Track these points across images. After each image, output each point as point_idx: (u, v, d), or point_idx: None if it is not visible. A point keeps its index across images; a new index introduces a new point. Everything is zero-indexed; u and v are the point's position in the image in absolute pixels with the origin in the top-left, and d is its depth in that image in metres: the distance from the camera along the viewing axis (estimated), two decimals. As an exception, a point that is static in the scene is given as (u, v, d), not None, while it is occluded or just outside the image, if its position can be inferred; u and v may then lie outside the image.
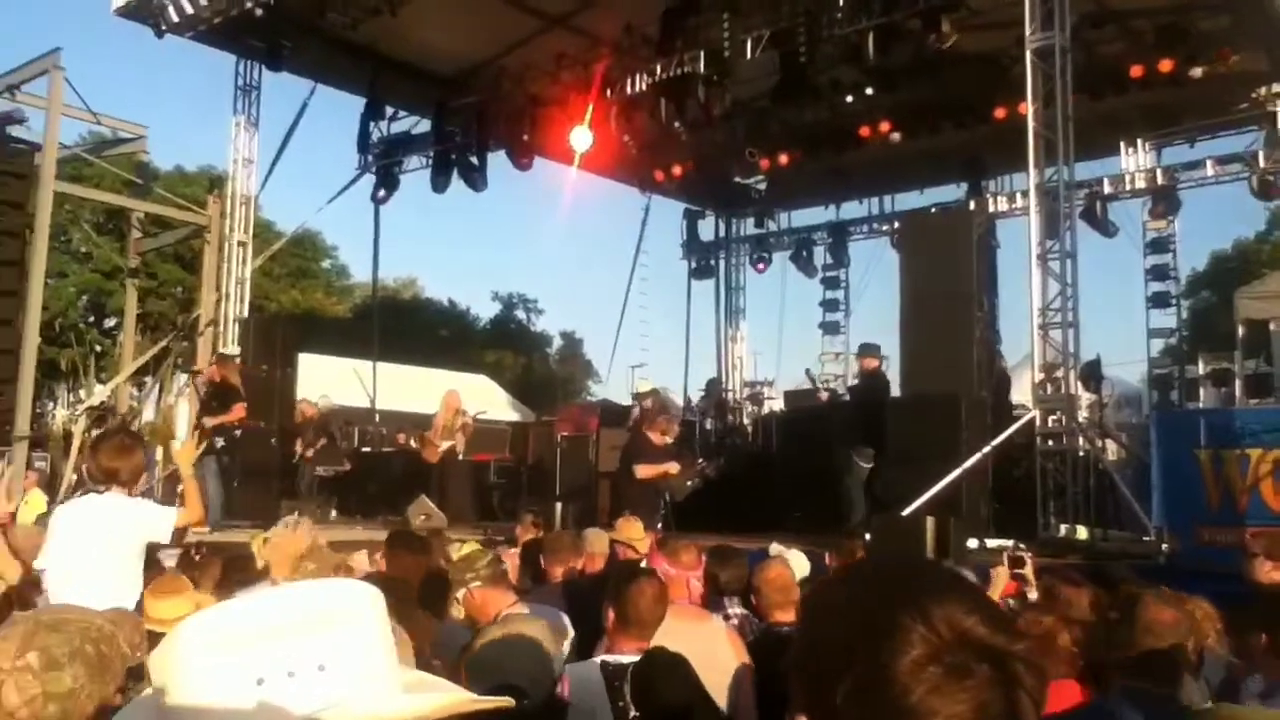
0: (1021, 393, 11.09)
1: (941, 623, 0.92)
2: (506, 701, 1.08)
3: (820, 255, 19.13)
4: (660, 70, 12.85)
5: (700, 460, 11.32)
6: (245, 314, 16.17)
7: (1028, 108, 9.85)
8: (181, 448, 5.48)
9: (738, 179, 18.49)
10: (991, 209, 16.03)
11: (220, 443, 11.56)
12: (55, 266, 23.32)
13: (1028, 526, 8.89)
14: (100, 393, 23.45)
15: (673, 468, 10.64)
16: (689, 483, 10.88)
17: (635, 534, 6.27)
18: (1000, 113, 13.25)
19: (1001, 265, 12.16)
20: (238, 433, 12.03)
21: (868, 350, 11.25)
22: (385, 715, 0.94)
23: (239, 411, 11.79)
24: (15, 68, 16.32)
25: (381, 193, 16.95)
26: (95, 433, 19.68)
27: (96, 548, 4.27)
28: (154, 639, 2.64)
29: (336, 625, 0.95)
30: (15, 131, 15.97)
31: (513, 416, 23.55)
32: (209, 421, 11.48)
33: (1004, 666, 0.91)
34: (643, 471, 10.65)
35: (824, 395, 14.35)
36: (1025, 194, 11.51)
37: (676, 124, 12.98)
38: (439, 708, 0.98)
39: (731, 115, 13.63)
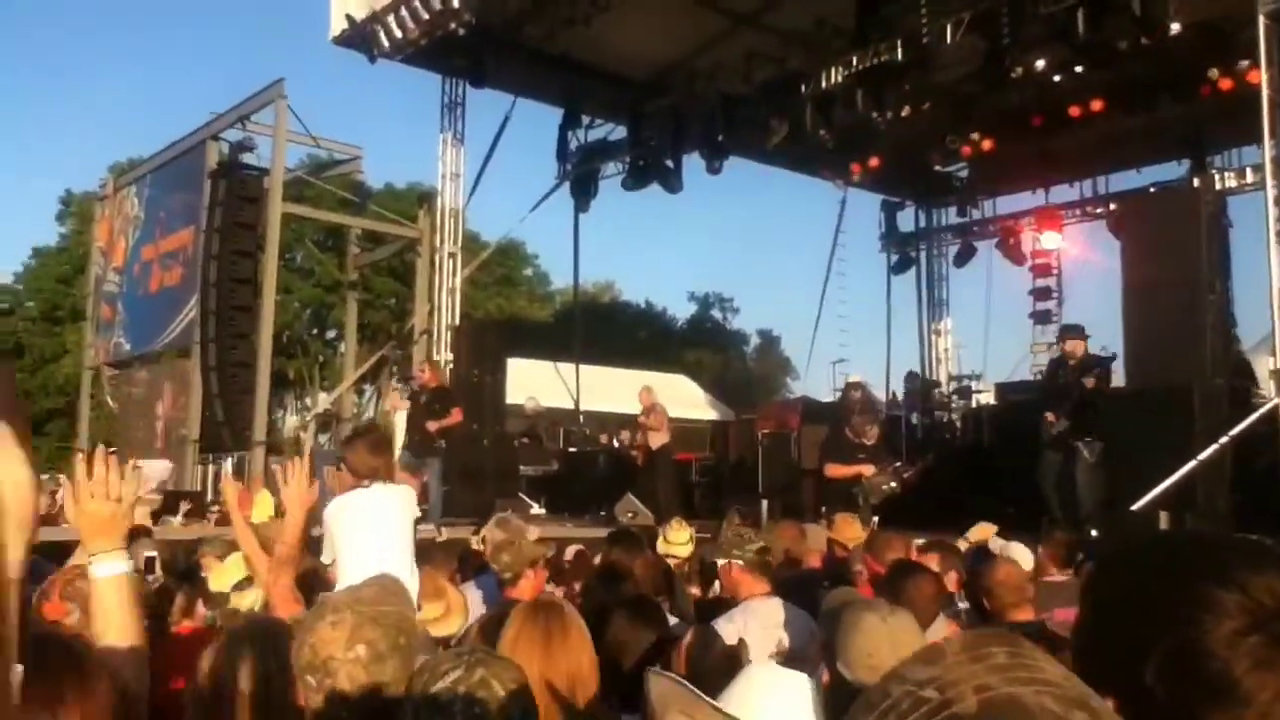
0: (1261, 379, 10.35)
1: (1262, 591, 0.86)
2: None
3: (1029, 241, 18.40)
4: (856, 61, 12.66)
5: (898, 463, 10.97)
6: (456, 322, 16.89)
7: (1260, 75, 9.20)
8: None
9: (938, 167, 18.01)
10: (1219, 186, 15.02)
11: (442, 444, 12.17)
12: (282, 283, 24.93)
13: (1272, 522, 8.29)
14: (325, 400, 25.00)
15: (866, 469, 10.36)
16: (885, 486, 10.54)
17: (853, 534, 6.18)
18: (1226, 83, 12.39)
19: (1235, 244, 11.37)
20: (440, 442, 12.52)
21: (1072, 332, 10.47)
22: None
23: (458, 415, 12.32)
24: (244, 99, 17.61)
25: (581, 200, 17.35)
26: (323, 440, 21.00)
27: (377, 534, 4.54)
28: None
29: None
30: (246, 159, 17.26)
31: (712, 415, 23.66)
32: (433, 426, 12.06)
33: None
34: (833, 471, 10.56)
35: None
36: (1258, 168, 10.74)
37: (875, 115, 12.74)
38: None
39: (931, 102, 13.27)
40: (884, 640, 2.53)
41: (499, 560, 4.62)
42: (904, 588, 3.72)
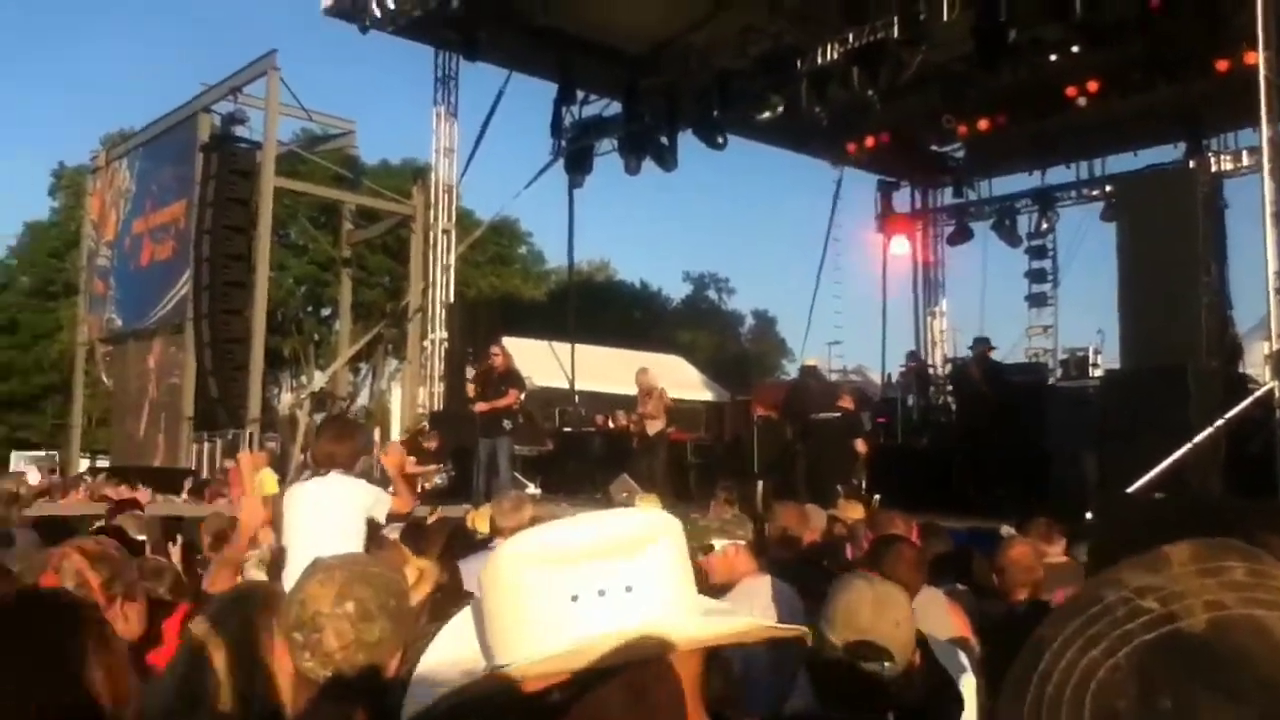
0: (1256, 363, 10.34)
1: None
2: (799, 630, 1.12)
3: (1025, 224, 18.32)
4: (852, 38, 12.56)
5: None
6: (451, 300, 16.81)
7: (1257, 56, 9.13)
8: (389, 454, 5.87)
9: (934, 147, 17.94)
10: (1215, 168, 14.95)
11: (508, 425, 12.20)
12: (275, 259, 24.78)
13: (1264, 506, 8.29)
14: (320, 379, 24.96)
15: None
16: None
17: (855, 513, 6.26)
18: (1222, 65, 12.30)
19: (1231, 227, 11.31)
20: (520, 418, 12.76)
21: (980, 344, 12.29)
22: (690, 634, 1.00)
23: (511, 398, 12.32)
24: (236, 71, 17.44)
25: (575, 177, 17.23)
26: (318, 419, 20.97)
27: (323, 524, 4.54)
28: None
29: (643, 551, 1.01)
30: (238, 131, 17.13)
31: (707, 396, 23.62)
32: (482, 406, 12.09)
33: None
34: (862, 446, 12.20)
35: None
36: (1254, 151, 10.68)
37: (870, 93, 12.64)
38: (738, 631, 1.04)
39: (927, 81, 13.17)
40: (867, 603, 2.52)
41: None
42: (884, 556, 3.85)
